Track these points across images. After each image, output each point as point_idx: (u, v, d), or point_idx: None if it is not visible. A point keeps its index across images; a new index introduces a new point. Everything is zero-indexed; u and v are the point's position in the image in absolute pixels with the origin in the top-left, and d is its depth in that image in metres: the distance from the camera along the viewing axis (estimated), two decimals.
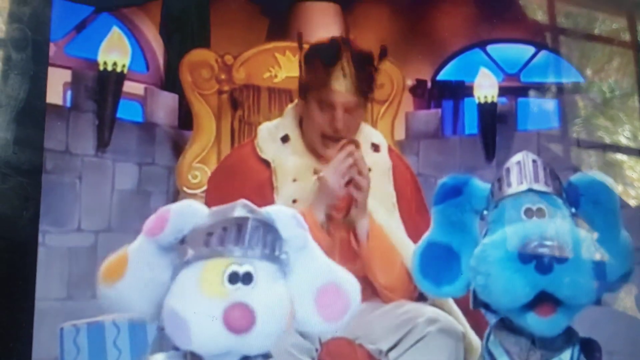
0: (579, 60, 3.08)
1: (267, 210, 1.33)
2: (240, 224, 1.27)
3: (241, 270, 1.24)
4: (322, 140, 1.97)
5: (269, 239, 1.28)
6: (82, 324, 2.06)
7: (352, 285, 1.35)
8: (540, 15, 3.11)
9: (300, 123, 2.03)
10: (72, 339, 2.13)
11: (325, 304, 1.32)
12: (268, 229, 1.29)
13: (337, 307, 1.34)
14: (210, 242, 1.26)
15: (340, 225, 1.93)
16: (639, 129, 2.67)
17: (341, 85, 1.92)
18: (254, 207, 1.32)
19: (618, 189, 1.86)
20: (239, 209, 1.30)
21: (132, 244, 1.32)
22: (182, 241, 1.29)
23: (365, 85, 1.96)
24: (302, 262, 1.32)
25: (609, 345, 2.75)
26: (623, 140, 2.82)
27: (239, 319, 1.21)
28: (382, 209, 1.97)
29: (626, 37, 2.73)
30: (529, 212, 1.47)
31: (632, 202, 2.69)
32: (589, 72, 3.09)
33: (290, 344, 1.73)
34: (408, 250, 1.95)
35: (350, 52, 1.93)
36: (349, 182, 1.88)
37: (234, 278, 1.23)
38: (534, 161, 1.57)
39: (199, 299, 1.23)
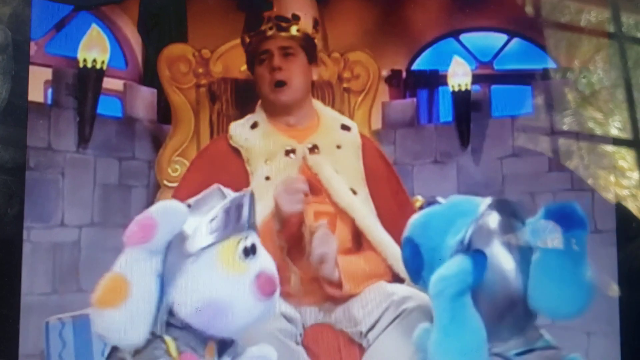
0: (566, 51, 3.12)
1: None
2: (239, 204, 1.35)
3: (248, 243, 1.35)
4: (272, 90, 2.06)
5: (253, 211, 1.37)
6: (67, 318, 2.10)
7: None
8: (523, 5, 3.15)
9: (266, 113, 2.11)
10: (58, 333, 2.17)
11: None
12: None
13: None
14: (215, 227, 1.33)
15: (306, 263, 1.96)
16: (628, 119, 2.71)
17: (271, 33, 2.06)
18: (225, 188, 1.41)
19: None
20: (219, 192, 1.39)
21: (122, 263, 1.35)
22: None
23: (298, 33, 2.07)
24: None
25: (588, 326, 2.83)
26: (614, 131, 2.86)
27: (268, 285, 1.35)
28: (348, 185, 2.03)
29: (611, 28, 2.77)
30: None
31: (625, 192, 2.74)
32: (576, 63, 3.13)
33: (276, 328, 1.79)
34: (373, 226, 2.01)
35: (272, 14, 2.07)
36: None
37: (246, 252, 1.37)
38: None
39: (230, 279, 1.32)
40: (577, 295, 1.53)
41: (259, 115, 2.19)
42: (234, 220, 1.37)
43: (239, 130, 2.15)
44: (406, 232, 1.64)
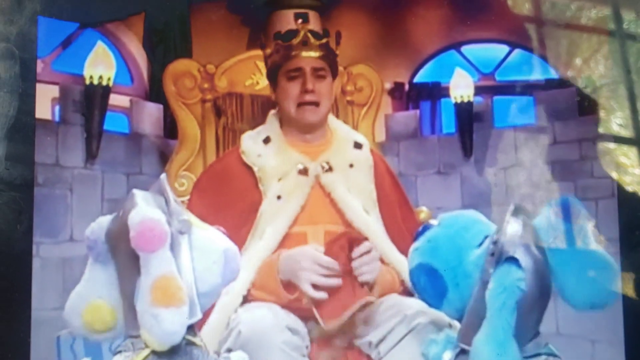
0: (568, 49, 3.12)
1: None
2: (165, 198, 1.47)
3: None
4: (298, 108, 2.05)
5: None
6: None
7: None
8: (524, 8, 3.15)
9: (281, 125, 2.10)
10: (69, 346, 2.19)
11: None
12: None
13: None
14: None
15: None
16: (630, 116, 2.71)
17: (304, 52, 2.04)
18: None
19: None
20: (139, 191, 1.45)
21: (159, 266, 1.39)
22: None
23: (327, 52, 2.07)
24: None
25: (592, 334, 2.83)
26: (615, 127, 2.86)
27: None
28: (361, 205, 2.04)
29: (611, 25, 2.78)
30: None
31: (629, 189, 2.74)
32: (577, 61, 3.14)
33: (281, 341, 1.79)
34: (387, 245, 2.02)
35: (305, 26, 2.07)
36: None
37: None
38: None
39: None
40: (601, 284, 1.54)
41: (271, 127, 2.15)
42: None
43: (252, 146, 2.11)
44: (415, 261, 1.63)
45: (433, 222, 1.67)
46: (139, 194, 1.48)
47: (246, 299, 1.92)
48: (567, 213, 1.56)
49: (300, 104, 2.07)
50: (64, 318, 1.53)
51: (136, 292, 1.40)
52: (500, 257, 1.48)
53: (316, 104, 2.07)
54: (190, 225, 1.47)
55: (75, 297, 1.53)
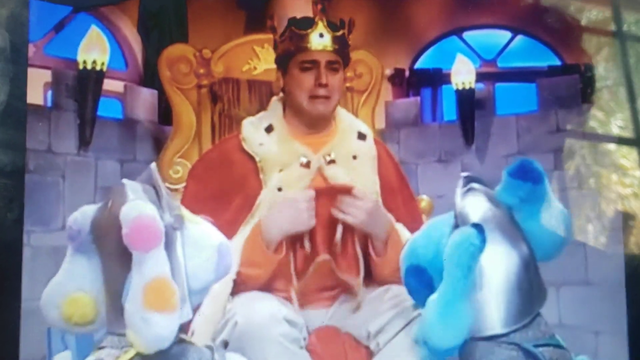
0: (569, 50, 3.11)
1: None
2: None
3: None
4: (310, 100, 2.01)
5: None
6: None
7: None
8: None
9: (284, 112, 2.06)
10: (60, 338, 2.15)
11: None
12: None
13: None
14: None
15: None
16: (630, 118, 2.69)
17: (320, 44, 1.99)
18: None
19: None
20: (129, 182, 1.40)
21: (158, 266, 1.34)
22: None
23: (342, 45, 2.02)
24: None
25: (595, 325, 2.81)
26: (615, 129, 2.85)
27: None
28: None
29: (612, 27, 2.76)
30: None
31: (628, 190, 2.73)
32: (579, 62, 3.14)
33: (279, 333, 1.75)
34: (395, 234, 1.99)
35: (322, 16, 2.01)
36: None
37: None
38: None
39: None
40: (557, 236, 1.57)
41: (274, 114, 2.09)
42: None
43: (253, 133, 2.05)
44: (403, 269, 1.63)
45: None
46: (129, 185, 1.42)
47: (236, 282, 1.88)
48: (526, 174, 1.55)
49: (312, 97, 2.02)
50: (40, 309, 1.47)
51: (125, 290, 1.34)
52: (462, 223, 1.48)
53: (328, 97, 2.03)
54: (183, 221, 1.41)
55: (54, 288, 1.46)
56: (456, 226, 1.50)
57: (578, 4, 2.89)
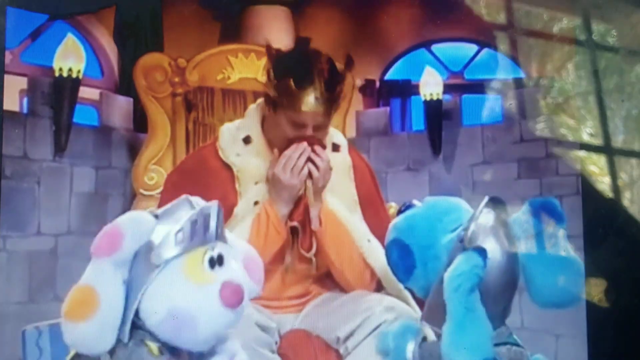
0: (538, 59, 3.15)
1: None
2: (206, 214, 1.38)
3: (215, 254, 1.38)
4: (288, 143, 2.00)
5: (220, 222, 1.40)
6: (44, 326, 2.08)
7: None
8: (495, 15, 3.19)
9: (262, 123, 2.06)
10: (35, 341, 2.16)
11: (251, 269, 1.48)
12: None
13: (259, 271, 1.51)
14: (181, 239, 1.36)
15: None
16: (599, 125, 2.74)
17: (313, 108, 1.92)
18: (194, 198, 1.44)
19: None
20: (187, 202, 1.41)
21: (90, 274, 1.36)
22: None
23: (334, 104, 1.99)
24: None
25: (556, 328, 2.88)
26: (585, 137, 2.89)
27: (234, 295, 1.37)
28: (343, 207, 2.04)
29: (582, 36, 2.82)
30: None
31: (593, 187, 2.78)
32: (548, 71, 3.18)
33: (250, 339, 1.78)
34: (371, 245, 2.01)
35: (322, 73, 1.94)
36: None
37: (212, 262, 1.38)
38: None
39: (194, 290, 1.36)
40: (567, 287, 1.59)
41: (252, 124, 2.05)
42: (201, 232, 1.38)
43: (231, 144, 2.04)
44: (391, 236, 1.67)
45: (417, 203, 1.70)
46: (181, 205, 1.44)
47: None
48: (545, 215, 1.59)
49: (294, 132, 2.02)
50: None
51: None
52: (469, 244, 1.52)
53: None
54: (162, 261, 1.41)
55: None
56: (461, 240, 1.53)
57: (548, 13, 2.95)
